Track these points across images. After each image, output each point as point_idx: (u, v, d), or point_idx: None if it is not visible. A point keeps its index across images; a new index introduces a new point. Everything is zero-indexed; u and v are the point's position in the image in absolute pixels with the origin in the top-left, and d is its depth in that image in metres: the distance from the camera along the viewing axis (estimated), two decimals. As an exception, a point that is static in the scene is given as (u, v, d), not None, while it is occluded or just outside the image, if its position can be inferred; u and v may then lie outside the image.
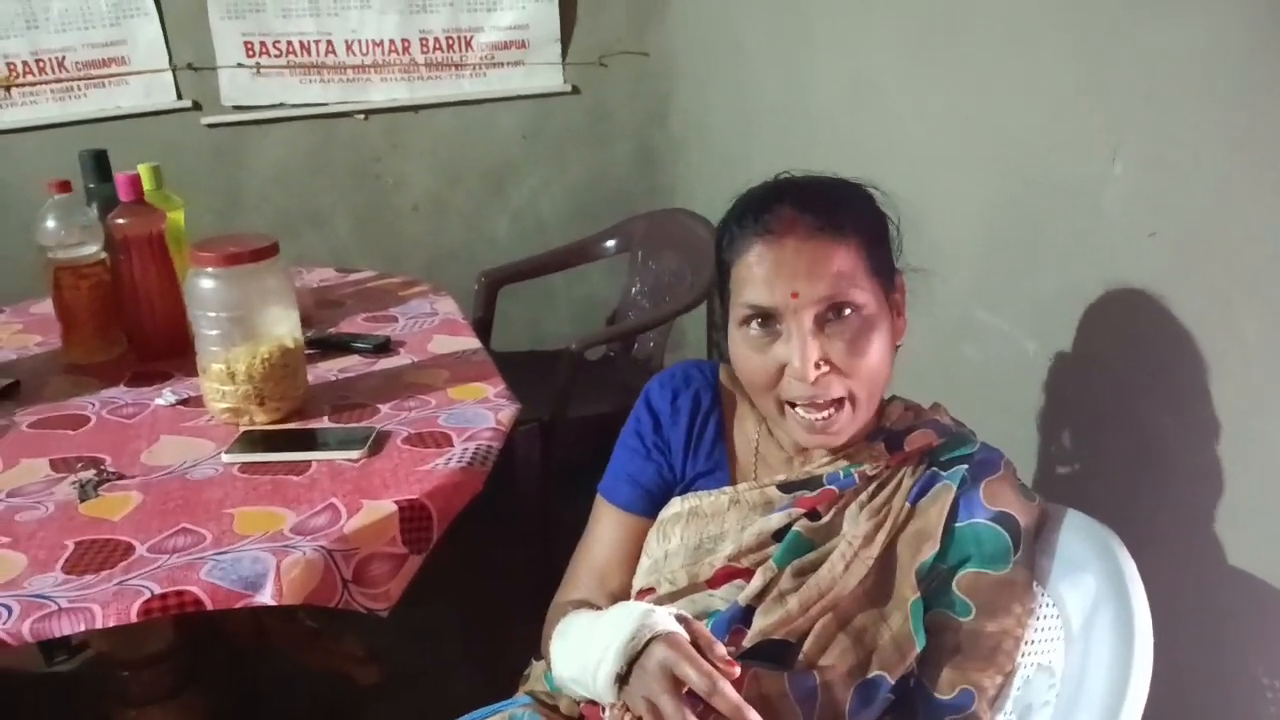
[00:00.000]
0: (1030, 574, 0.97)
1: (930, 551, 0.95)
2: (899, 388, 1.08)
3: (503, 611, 2.08)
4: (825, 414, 0.93)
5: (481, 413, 1.37)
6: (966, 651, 0.94)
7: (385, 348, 1.62)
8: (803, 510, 0.99)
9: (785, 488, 1.01)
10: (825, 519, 0.98)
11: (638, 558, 1.06)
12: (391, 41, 2.59)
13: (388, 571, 1.09)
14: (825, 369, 0.91)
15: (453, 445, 1.26)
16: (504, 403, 1.40)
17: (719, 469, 1.07)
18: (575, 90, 2.76)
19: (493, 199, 2.81)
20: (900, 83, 1.67)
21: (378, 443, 1.26)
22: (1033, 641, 0.97)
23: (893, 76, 1.69)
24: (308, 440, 1.28)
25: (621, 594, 1.06)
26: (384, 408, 1.39)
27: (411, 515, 1.12)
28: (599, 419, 2.20)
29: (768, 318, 0.93)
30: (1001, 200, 1.42)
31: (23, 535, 1.07)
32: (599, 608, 1.00)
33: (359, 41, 2.58)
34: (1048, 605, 0.97)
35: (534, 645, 1.17)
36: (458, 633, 2.07)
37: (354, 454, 1.23)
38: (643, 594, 1.02)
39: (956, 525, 0.96)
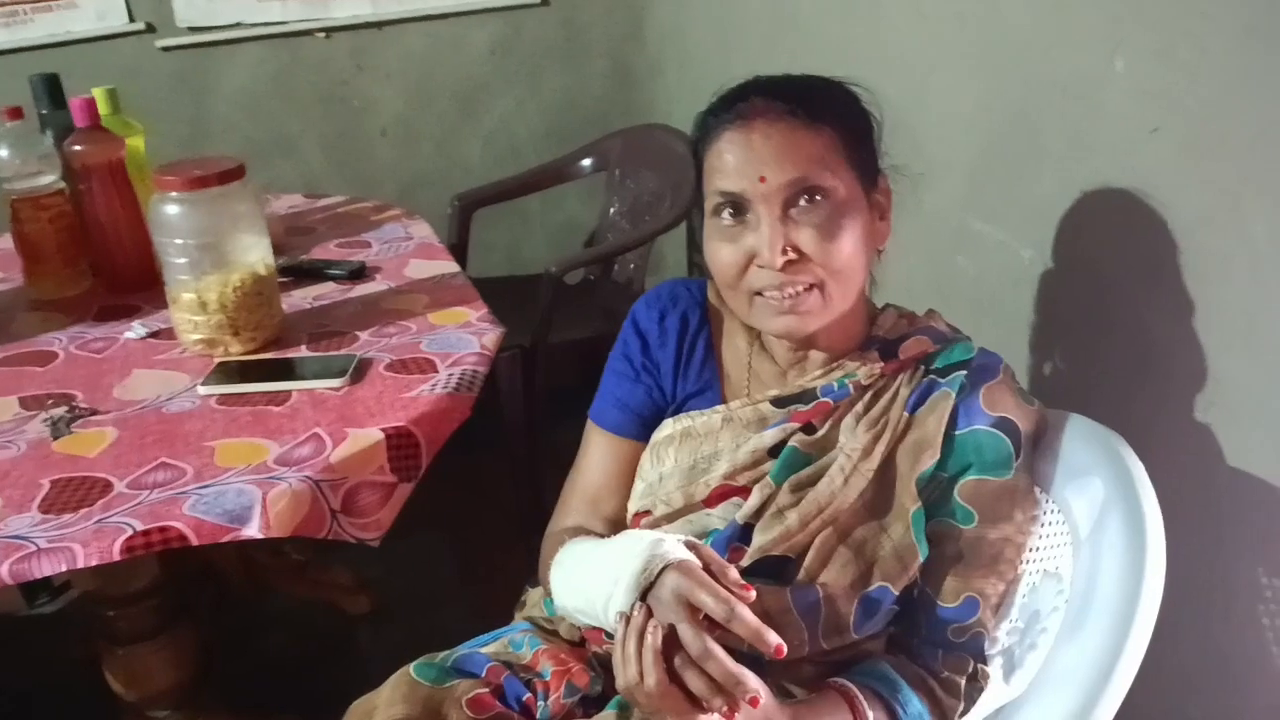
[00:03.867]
0: (1031, 480, 0.96)
1: (930, 461, 0.93)
2: (890, 299, 1.05)
3: (490, 539, 2.08)
4: (792, 291, 0.90)
5: (464, 337, 1.33)
6: (969, 560, 0.93)
7: (360, 274, 1.58)
8: (798, 425, 0.96)
9: (778, 403, 0.99)
10: (821, 432, 0.96)
11: (631, 481, 1.04)
12: (352, -46, 2.49)
13: (377, 500, 1.06)
14: (793, 255, 0.89)
15: (437, 371, 1.23)
16: (487, 327, 1.37)
17: (710, 388, 1.04)
18: (545, 2, 2.66)
19: (464, 121, 2.73)
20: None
21: (359, 370, 1.23)
22: (1038, 548, 0.96)
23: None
24: (286, 370, 1.24)
25: (616, 518, 1.04)
26: (363, 335, 1.35)
27: (399, 443, 1.09)
28: (580, 343, 2.18)
29: (738, 206, 0.91)
30: (997, 103, 1.37)
31: (-6, 475, 1.03)
32: (596, 534, 0.98)
33: (318, -44, 2.47)
34: (1052, 511, 0.96)
35: (523, 572, 1.16)
36: (445, 560, 2.06)
37: (335, 382, 1.19)
38: (639, 516, 1.00)
39: (956, 433, 0.94)
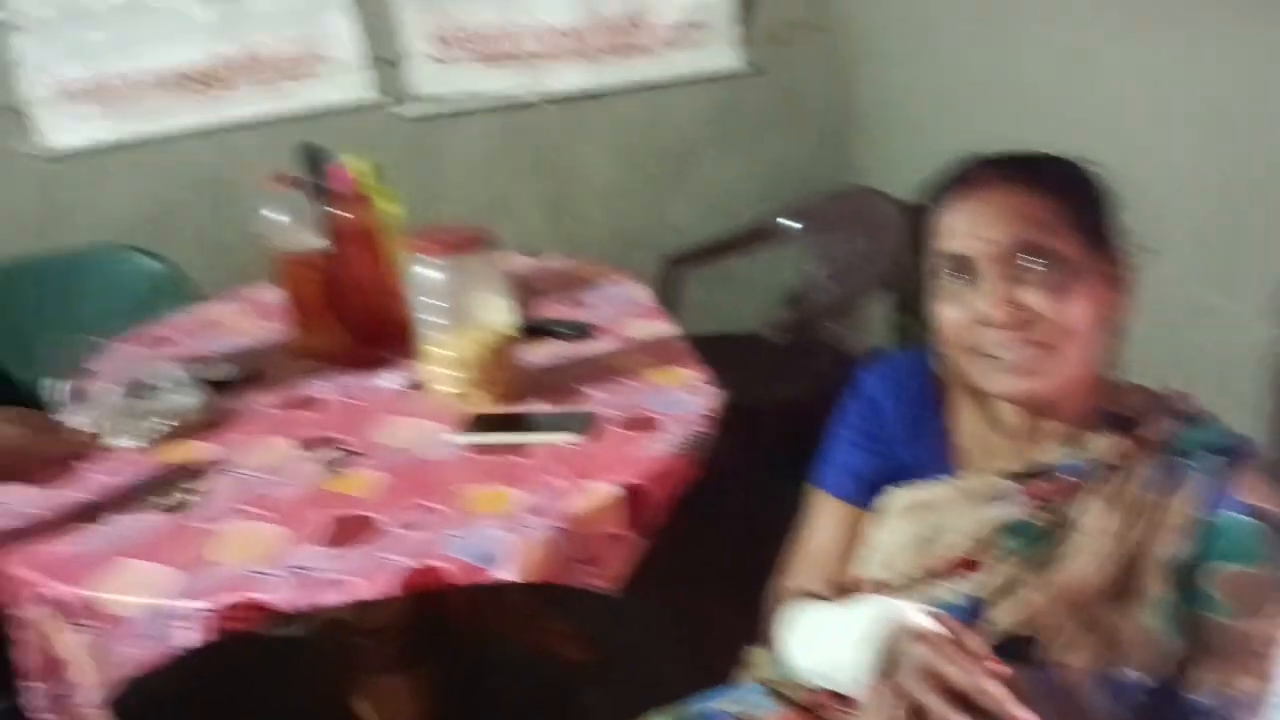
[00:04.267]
0: (1288, 571, 0.92)
1: (1179, 545, 0.91)
2: (1120, 374, 1.03)
3: (702, 596, 2.11)
4: (1017, 351, 0.91)
5: (688, 398, 1.39)
6: (1222, 652, 0.90)
7: (585, 333, 1.66)
8: (1034, 500, 0.96)
9: (1015, 477, 0.99)
10: (1060, 509, 0.95)
11: (857, 548, 1.06)
12: (570, 27, 2.64)
13: (614, 553, 1.13)
14: (1017, 314, 0.90)
15: (664, 430, 1.29)
16: (709, 389, 1.42)
17: (940, 458, 1.05)
18: (755, 70, 2.75)
19: (673, 182, 2.83)
20: (1117, 50, 1.59)
21: (593, 426, 1.30)
22: (1297, 647, 0.91)
23: (1109, 43, 1.61)
24: (527, 423, 1.33)
25: (843, 585, 1.06)
26: (592, 392, 1.43)
27: (636, 499, 1.15)
28: (784, 403, 2.21)
29: (964, 267, 0.93)
30: (1240, 182, 1.33)
31: (280, 510, 1.16)
32: (825, 598, 1.00)
33: (541, 29, 2.64)
34: (1312, 607, 0.91)
35: (736, 630, 1.18)
36: (658, 616, 2.11)
37: (573, 438, 1.27)
38: (867, 585, 1.02)
39: (1206, 517, 0.91)
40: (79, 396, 1.41)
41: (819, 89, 2.81)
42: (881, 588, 1.00)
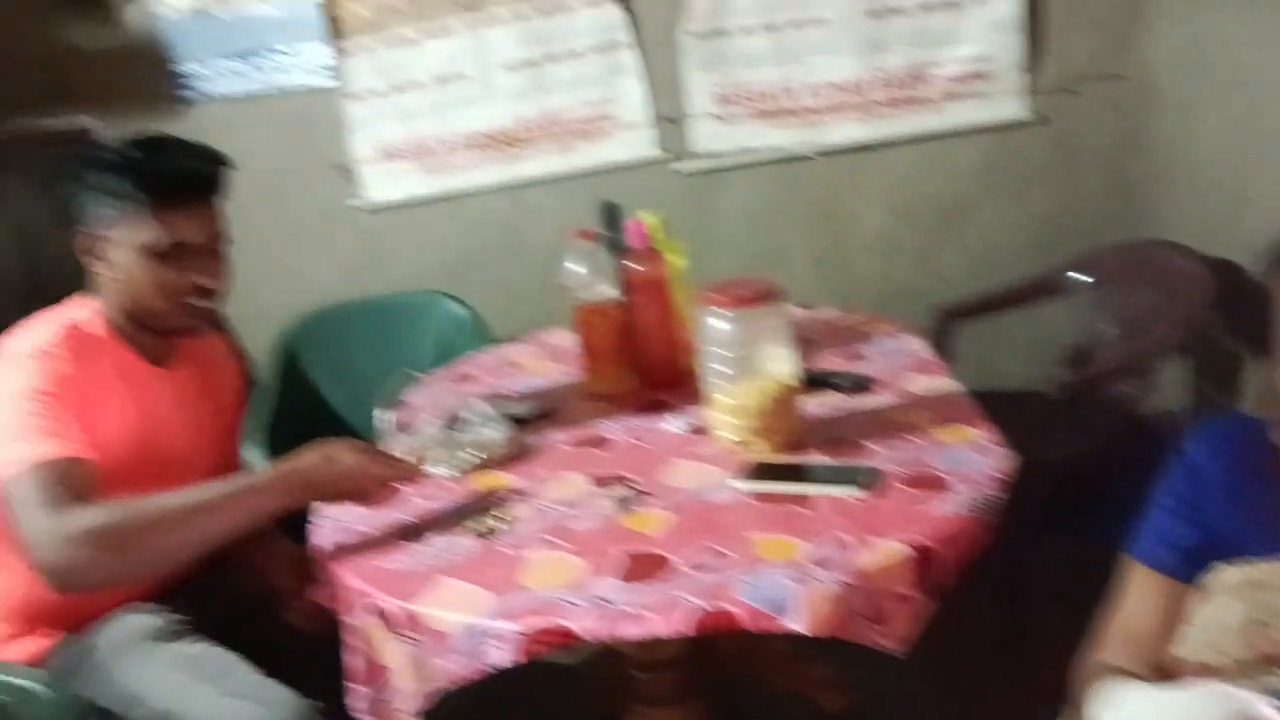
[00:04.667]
0: None
1: None
2: None
3: (966, 656, 2.04)
4: None
5: (974, 457, 1.36)
6: None
7: (864, 386, 1.66)
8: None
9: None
10: None
11: (1177, 626, 1.00)
12: (850, 82, 2.67)
13: (902, 611, 1.12)
14: None
15: (950, 489, 1.26)
16: (997, 449, 1.38)
17: (1270, 532, 0.97)
18: (1040, 119, 2.65)
19: (946, 234, 2.78)
20: None
21: (876, 481, 1.30)
22: None
23: None
24: (809, 473, 1.35)
25: (1161, 664, 0.99)
26: (873, 446, 1.43)
27: (925, 560, 1.13)
28: (1065, 463, 2.09)
29: None
30: None
31: (579, 541, 1.24)
32: (1142, 678, 0.95)
33: (819, 84, 2.68)
34: None
35: (1002, 695, 1.12)
36: (920, 671, 2.05)
37: (857, 491, 1.27)
38: (1191, 666, 0.95)
39: None
40: (402, 427, 1.56)
41: (1107, 138, 2.67)
42: (1209, 672, 0.93)
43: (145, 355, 1.49)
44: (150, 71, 2.82)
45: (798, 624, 1.05)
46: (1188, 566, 1.00)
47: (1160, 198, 2.62)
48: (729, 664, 1.95)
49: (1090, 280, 2.41)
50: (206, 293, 1.45)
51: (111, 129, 2.34)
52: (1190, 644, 0.97)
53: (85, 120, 2.60)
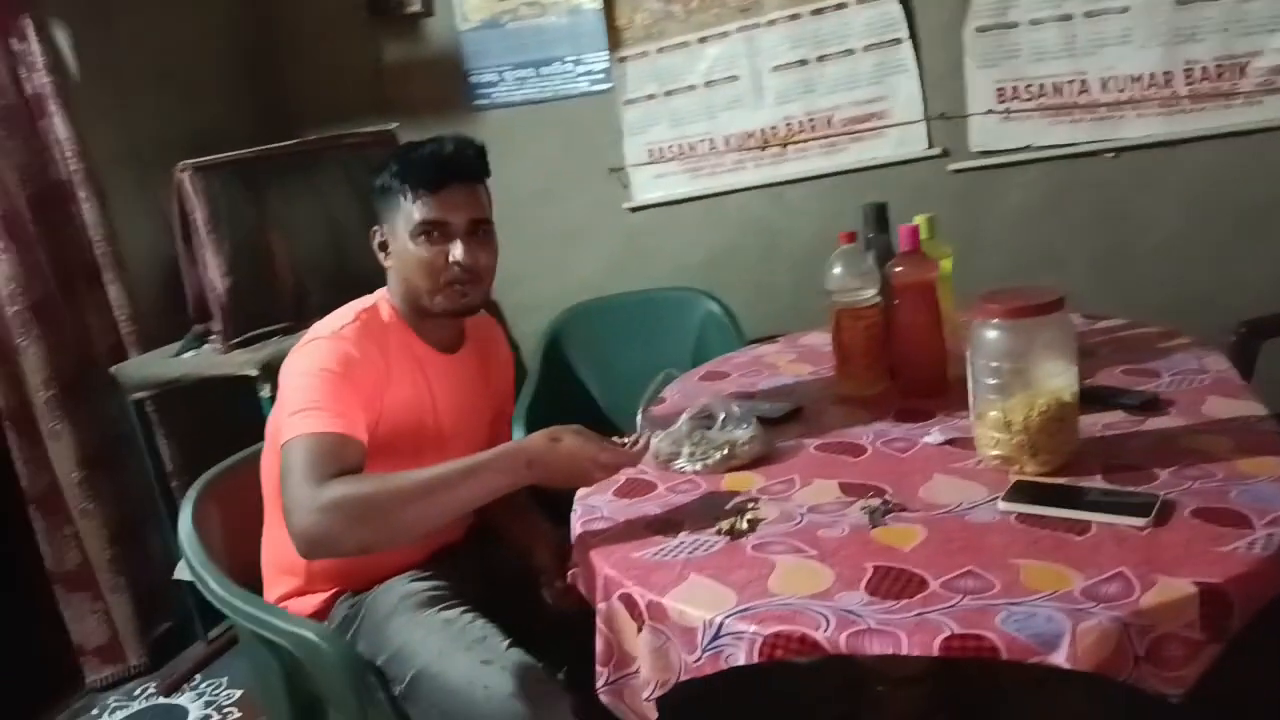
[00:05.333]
0: None
1: None
2: None
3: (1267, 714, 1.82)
4: None
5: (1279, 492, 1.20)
6: None
7: (1153, 405, 1.52)
8: None
9: None
10: None
11: None
12: (1151, 75, 2.45)
13: (1183, 655, 1.01)
14: None
15: (1252, 528, 1.13)
16: (1312, 485, 1.22)
17: None
18: (1384, 112, 2.32)
19: (1253, 240, 2.49)
20: None
21: (1163, 512, 1.18)
22: None
23: None
24: (1082, 498, 1.25)
25: None
26: (1161, 473, 1.30)
27: (1212, 600, 1.02)
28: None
29: None
30: None
31: (826, 550, 1.21)
32: None
33: (1114, 77, 2.48)
34: None
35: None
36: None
37: (1139, 521, 1.16)
38: None
39: None
40: (657, 422, 1.60)
41: None
42: None
43: (430, 341, 1.61)
44: (449, 80, 3.08)
45: (1063, 659, 0.97)
46: None
47: None
48: (975, 684, 1.85)
49: None
50: (467, 271, 1.53)
51: (411, 133, 2.56)
52: None
53: (388, 126, 2.86)
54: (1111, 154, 2.53)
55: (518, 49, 3.01)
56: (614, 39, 2.88)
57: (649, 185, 2.98)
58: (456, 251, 1.52)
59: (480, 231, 1.57)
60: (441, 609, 1.49)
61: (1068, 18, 2.48)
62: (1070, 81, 2.51)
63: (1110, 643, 0.99)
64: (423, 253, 1.52)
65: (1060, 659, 0.98)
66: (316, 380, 1.44)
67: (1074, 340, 1.37)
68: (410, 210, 1.52)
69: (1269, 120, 2.40)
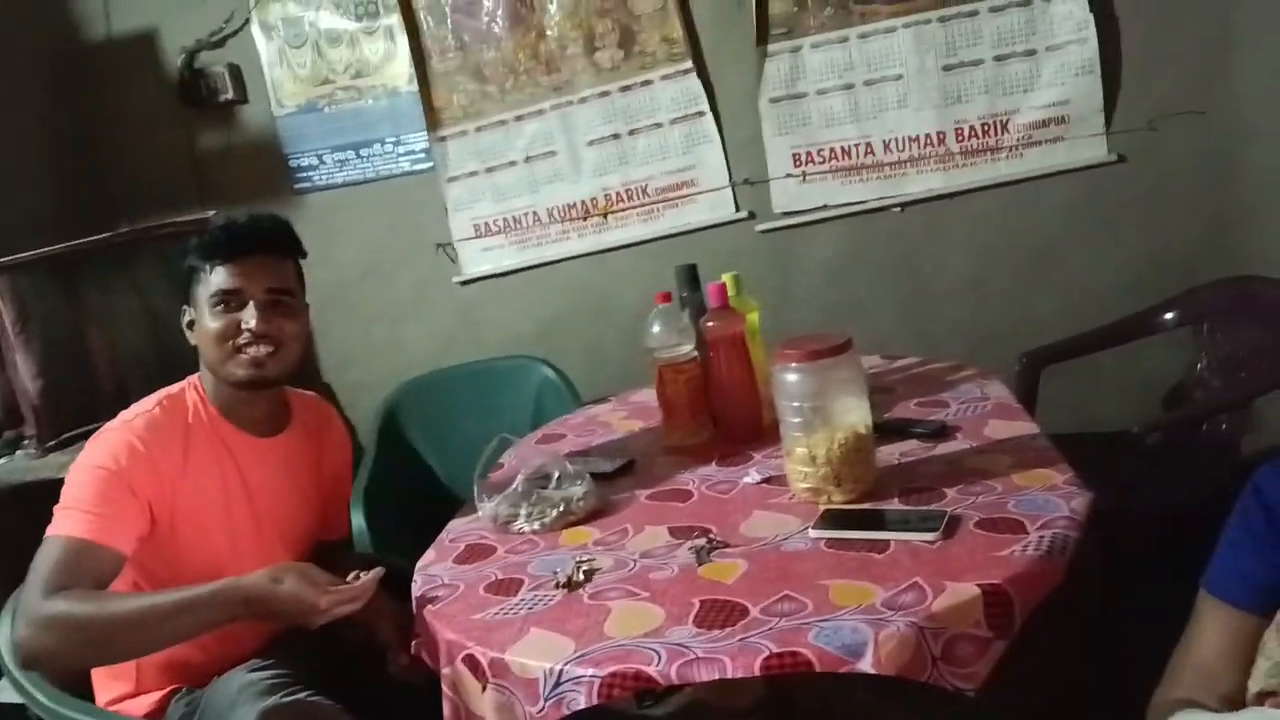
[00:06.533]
0: None
1: None
2: None
3: (1054, 704, 1.99)
4: None
5: (1052, 500, 1.35)
6: None
7: (942, 433, 1.67)
8: None
9: None
10: None
11: (1250, 658, 0.99)
12: (927, 135, 2.71)
13: (974, 653, 1.12)
14: None
15: (1027, 532, 1.27)
16: (1074, 491, 1.38)
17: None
18: (1122, 159, 2.63)
19: (1034, 278, 2.77)
20: None
21: (951, 526, 1.31)
22: None
23: None
24: (883, 520, 1.37)
25: (1234, 697, 0.99)
26: (950, 492, 1.44)
27: (995, 600, 1.14)
28: (1165, 510, 2.04)
29: None
30: None
31: (657, 591, 1.28)
32: (1210, 709, 0.95)
33: (896, 139, 2.73)
34: None
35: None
36: (1010, 715, 2.01)
37: (930, 536, 1.29)
38: (1262, 697, 0.95)
39: None
40: (494, 488, 1.64)
41: (1196, 175, 2.63)
42: (1273, 700, 0.92)
43: (242, 425, 1.60)
44: (268, 165, 3.07)
45: (869, 666, 1.07)
46: (1259, 600, 0.99)
47: (1255, 231, 2.56)
48: (810, 714, 1.95)
49: (1186, 319, 2.36)
50: (260, 338, 1.53)
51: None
52: (1261, 676, 0.96)
53: (207, 214, 2.83)
54: (898, 209, 2.77)
55: (336, 132, 3.04)
56: (433, 119, 2.95)
57: (477, 258, 3.05)
58: (248, 317, 1.52)
59: (281, 302, 1.57)
60: (284, 695, 1.47)
61: (850, 86, 2.72)
62: (857, 144, 2.75)
63: (909, 647, 1.09)
64: (217, 322, 1.53)
65: (866, 666, 1.07)
66: (88, 477, 1.43)
67: (864, 378, 1.50)
68: (209, 281, 1.53)
69: (1031, 170, 2.69)
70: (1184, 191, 2.65)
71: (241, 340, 1.53)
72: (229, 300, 1.53)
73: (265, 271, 1.56)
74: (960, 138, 2.70)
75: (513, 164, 2.96)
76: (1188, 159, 2.62)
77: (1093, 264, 2.73)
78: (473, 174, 2.99)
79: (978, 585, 1.15)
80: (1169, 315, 2.40)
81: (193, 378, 1.62)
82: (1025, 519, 1.31)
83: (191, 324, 1.58)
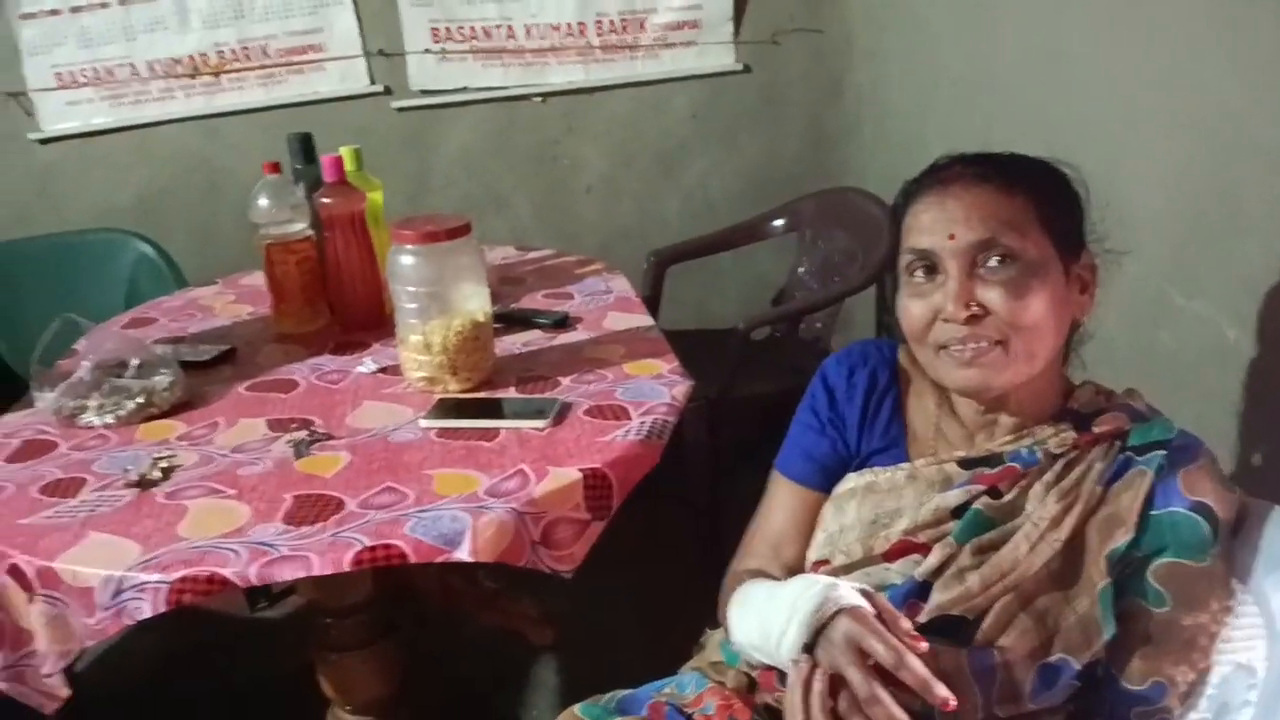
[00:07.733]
0: (1228, 568, 0.93)
1: (1124, 538, 0.92)
2: (1087, 372, 1.05)
3: (669, 583, 2.14)
4: (975, 346, 0.93)
5: (657, 388, 1.41)
6: (1160, 642, 0.92)
7: (564, 323, 1.68)
8: (983, 487, 0.98)
9: (965, 464, 1.01)
10: (1007, 497, 0.97)
11: (812, 531, 1.08)
12: (568, 25, 2.67)
13: (571, 535, 1.14)
14: (976, 310, 0.92)
15: (630, 418, 1.30)
16: (678, 379, 1.44)
17: (895, 445, 1.07)
18: (747, 69, 2.77)
19: (664, 180, 2.86)
20: (1090, 51, 1.61)
21: (561, 414, 1.32)
22: (1231, 639, 0.93)
23: (1082, 44, 1.63)
24: (497, 409, 1.35)
25: (796, 565, 1.08)
26: (565, 380, 1.45)
27: (594, 483, 1.16)
28: (763, 398, 2.22)
29: (928, 264, 0.96)
30: (1199, 172, 1.35)
31: (246, 488, 1.18)
32: (776, 578, 1.02)
33: (538, 25, 2.67)
34: (1249, 603, 0.93)
35: (700, 616, 1.21)
36: (626, 600, 2.13)
37: (539, 424, 1.28)
38: (818, 565, 1.04)
39: (1152, 513, 0.93)
40: (56, 377, 1.43)
41: (809, 90, 2.83)
42: (829, 568, 1.01)
43: None
44: None
45: (465, 554, 1.05)
46: (821, 477, 1.09)
47: (855, 145, 2.81)
48: (434, 605, 1.94)
49: (791, 226, 2.55)
50: None
51: None
52: (818, 546, 1.05)
53: None
54: (540, 99, 2.73)
55: None
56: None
57: (61, 113, 2.61)
58: None
59: None
60: None
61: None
62: (498, 26, 2.65)
63: (508, 533, 1.08)
64: None
65: (464, 554, 1.05)
66: None
67: (484, 264, 1.46)
68: None
69: (666, 73, 2.75)
70: (797, 105, 2.84)
71: None
72: None
73: None
74: (600, 31, 2.69)
75: (105, 5, 2.54)
76: (802, 75, 2.80)
77: (717, 170, 2.87)
78: (54, 12, 2.53)
79: (579, 469, 1.17)
80: (778, 222, 2.57)
81: None
82: (630, 405, 1.34)
83: None
